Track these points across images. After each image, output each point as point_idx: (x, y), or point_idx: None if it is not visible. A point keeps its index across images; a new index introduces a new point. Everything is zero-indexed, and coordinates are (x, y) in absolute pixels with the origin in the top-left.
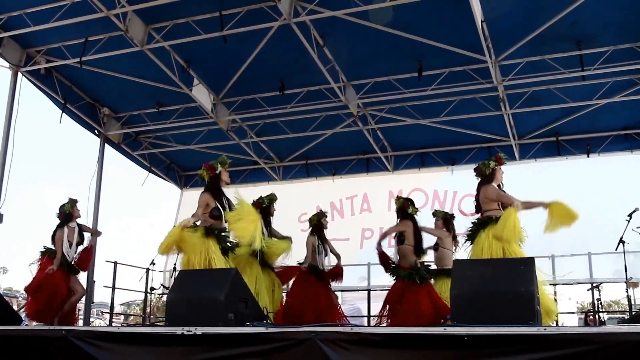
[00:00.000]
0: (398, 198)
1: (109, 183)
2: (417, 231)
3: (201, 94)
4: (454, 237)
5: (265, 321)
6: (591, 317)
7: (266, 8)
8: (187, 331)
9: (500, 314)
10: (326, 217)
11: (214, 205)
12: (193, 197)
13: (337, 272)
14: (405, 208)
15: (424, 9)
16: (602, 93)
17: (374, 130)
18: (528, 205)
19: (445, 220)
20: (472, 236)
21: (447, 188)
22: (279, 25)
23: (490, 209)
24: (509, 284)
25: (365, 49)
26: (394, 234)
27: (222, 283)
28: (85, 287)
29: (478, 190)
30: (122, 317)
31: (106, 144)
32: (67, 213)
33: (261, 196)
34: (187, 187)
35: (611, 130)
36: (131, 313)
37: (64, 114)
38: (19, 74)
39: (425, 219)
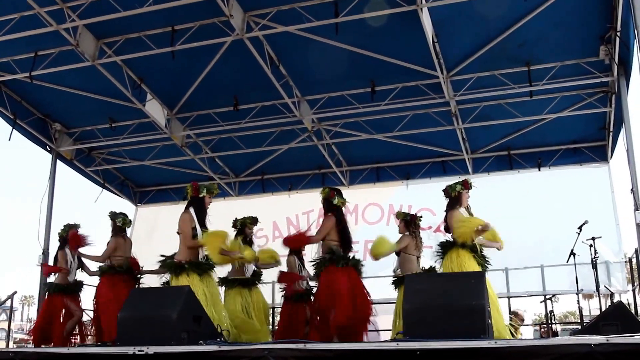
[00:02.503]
0: (324, 188)
1: (61, 199)
2: (342, 224)
3: (155, 110)
4: (418, 240)
5: (218, 339)
6: (544, 329)
7: (219, 23)
8: (139, 351)
9: (452, 327)
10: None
11: (193, 225)
12: (148, 213)
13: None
14: (330, 199)
15: (377, 25)
16: (551, 108)
17: (329, 145)
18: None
19: (406, 222)
20: (443, 252)
21: (403, 202)
22: (232, 41)
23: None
24: (460, 298)
25: (319, 65)
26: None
27: (175, 301)
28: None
29: (446, 212)
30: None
31: (58, 160)
32: (62, 237)
33: (236, 218)
34: (141, 203)
35: (561, 144)
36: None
37: (14, 130)
38: None
39: (380, 233)
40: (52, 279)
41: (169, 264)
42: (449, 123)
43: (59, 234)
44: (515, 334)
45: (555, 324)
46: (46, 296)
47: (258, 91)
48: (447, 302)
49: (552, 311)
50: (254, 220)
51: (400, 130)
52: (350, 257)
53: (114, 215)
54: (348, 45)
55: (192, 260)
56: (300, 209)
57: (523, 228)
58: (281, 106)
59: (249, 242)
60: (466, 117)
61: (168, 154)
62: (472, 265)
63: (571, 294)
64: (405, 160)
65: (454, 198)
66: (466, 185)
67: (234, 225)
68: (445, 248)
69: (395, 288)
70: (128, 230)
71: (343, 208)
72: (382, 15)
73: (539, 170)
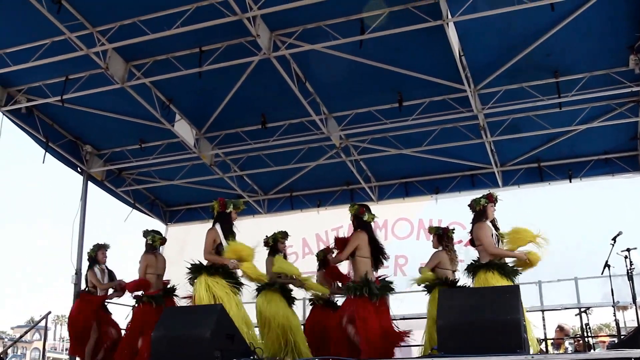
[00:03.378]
0: (352, 205)
1: (93, 219)
2: (374, 241)
3: (183, 130)
4: (452, 254)
5: (251, 357)
6: (578, 342)
7: (246, 43)
8: None
9: (487, 343)
10: (332, 252)
11: (219, 242)
12: (178, 232)
13: None
14: (360, 215)
15: (403, 40)
16: (581, 119)
17: (357, 161)
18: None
19: (438, 236)
20: (472, 273)
21: (432, 217)
22: (259, 60)
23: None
24: (494, 313)
25: (345, 81)
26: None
27: (208, 320)
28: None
29: (472, 225)
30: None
31: (89, 182)
32: (91, 257)
33: (266, 235)
34: (171, 222)
35: (592, 155)
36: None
37: (46, 152)
38: (0, 114)
39: (410, 248)
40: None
41: (194, 267)
42: (477, 136)
43: (88, 253)
44: (559, 348)
45: (592, 337)
46: (76, 301)
47: (285, 109)
48: (481, 317)
49: (587, 324)
50: (284, 235)
51: (429, 144)
52: (380, 287)
53: (145, 234)
54: (374, 62)
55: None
56: (330, 225)
57: (555, 240)
58: (309, 123)
59: (283, 257)
60: (495, 129)
61: (197, 173)
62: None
63: (606, 307)
64: (434, 174)
65: (479, 212)
66: (491, 198)
67: (266, 244)
68: (474, 269)
69: (427, 293)
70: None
71: (372, 224)
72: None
73: (570, 181)
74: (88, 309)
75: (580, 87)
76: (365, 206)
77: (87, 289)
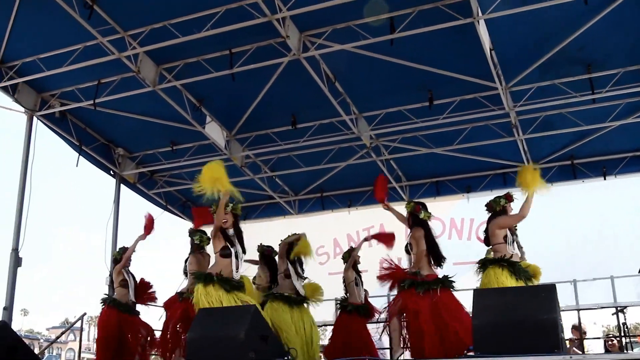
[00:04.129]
0: (408, 202)
1: (127, 222)
2: (430, 237)
3: (214, 131)
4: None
5: (286, 358)
6: (610, 343)
7: (275, 44)
8: None
9: (524, 343)
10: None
11: (223, 244)
12: (209, 233)
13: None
14: (416, 213)
15: (433, 39)
16: (615, 115)
17: (388, 160)
18: (526, 207)
19: None
20: (482, 268)
21: (464, 216)
22: (289, 61)
23: (498, 242)
24: (531, 312)
25: (375, 81)
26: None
27: (242, 320)
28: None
29: (488, 223)
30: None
31: (122, 184)
32: (116, 259)
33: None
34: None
35: (626, 151)
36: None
37: (80, 156)
38: (34, 119)
39: (442, 248)
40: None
41: (198, 274)
42: (509, 134)
43: (114, 255)
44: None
45: (629, 336)
46: (103, 308)
47: (315, 109)
48: (517, 317)
49: (624, 323)
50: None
51: (460, 143)
52: (432, 281)
53: (192, 233)
54: (404, 60)
55: (222, 276)
56: (361, 225)
57: (590, 239)
58: (339, 123)
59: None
60: (527, 127)
61: (228, 175)
62: (510, 283)
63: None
64: (466, 173)
65: (499, 212)
66: (509, 198)
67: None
68: (484, 264)
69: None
70: (187, 247)
71: (429, 222)
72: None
73: (605, 179)
74: (113, 315)
75: (615, 82)
76: (421, 204)
77: (111, 297)
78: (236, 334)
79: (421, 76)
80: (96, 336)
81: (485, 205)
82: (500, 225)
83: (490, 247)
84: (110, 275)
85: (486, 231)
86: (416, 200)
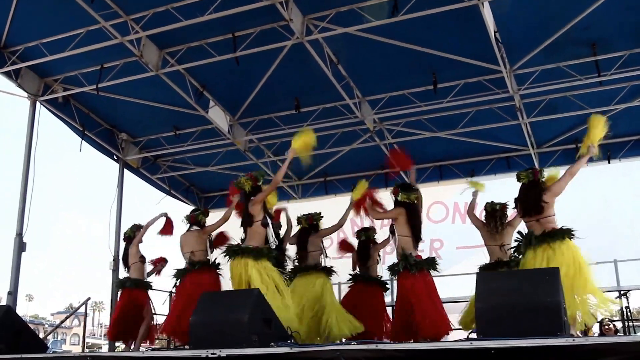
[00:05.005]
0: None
1: (129, 207)
2: (411, 218)
3: (217, 116)
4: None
5: (289, 341)
6: (606, 327)
7: (278, 28)
8: (212, 354)
9: (527, 326)
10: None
11: (263, 214)
12: (213, 218)
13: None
14: (394, 195)
15: (436, 21)
16: (620, 98)
17: (391, 144)
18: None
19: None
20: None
21: (468, 200)
22: (292, 44)
23: (553, 214)
24: (534, 296)
25: (379, 64)
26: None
27: (245, 304)
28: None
29: (534, 192)
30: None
31: (125, 169)
32: (129, 237)
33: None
34: (206, 208)
35: (631, 134)
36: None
37: (83, 140)
38: (38, 104)
39: (446, 231)
40: (124, 274)
41: (249, 249)
42: (513, 118)
43: (125, 233)
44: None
45: (632, 320)
46: (120, 292)
47: (319, 93)
48: (521, 300)
49: (627, 307)
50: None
51: (463, 127)
52: (420, 261)
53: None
54: (407, 43)
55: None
56: None
57: (594, 223)
58: (342, 107)
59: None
60: (531, 110)
61: (231, 159)
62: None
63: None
64: (469, 157)
65: (540, 182)
66: (537, 174)
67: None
68: (554, 236)
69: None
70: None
71: (415, 202)
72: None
73: (609, 162)
74: (134, 296)
75: (620, 65)
76: (401, 186)
77: (129, 279)
78: (240, 317)
79: (425, 59)
80: (112, 315)
81: (524, 178)
82: (557, 192)
83: (537, 219)
84: (115, 259)
85: (533, 199)
86: (398, 184)
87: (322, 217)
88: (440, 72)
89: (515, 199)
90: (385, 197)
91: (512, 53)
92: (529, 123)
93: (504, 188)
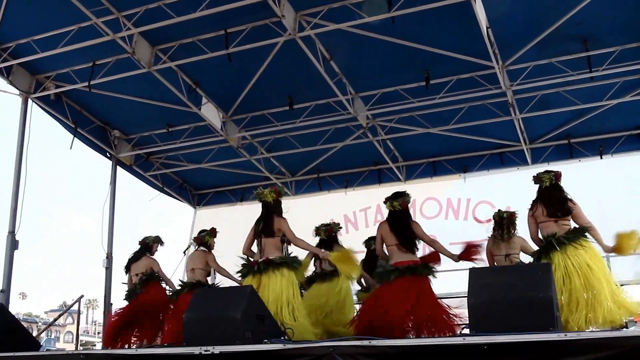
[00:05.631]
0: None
1: (121, 204)
2: (395, 228)
3: (210, 113)
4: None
5: (282, 337)
6: None
7: (271, 24)
8: (205, 350)
9: (519, 321)
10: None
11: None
12: (207, 215)
13: None
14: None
15: (429, 17)
16: (612, 93)
17: (384, 140)
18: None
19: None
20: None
21: (461, 196)
22: (285, 41)
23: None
24: (526, 291)
25: (371, 60)
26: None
27: (239, 301)
28: None
29: (558, 195)
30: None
31: (118, 166)
32: (149, 246)
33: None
34: (200, 205)
35: (623, 130)
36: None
37: (75, 138)
38: (29, 101)
39: (439, 227)
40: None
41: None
42: (505, 113)
43: (147, 243)
44: None
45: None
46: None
47: (312, 90)
48: (513, 295)
49: None
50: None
51: (456, 123)
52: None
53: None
54: (400, 40)
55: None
56: (357, 206)
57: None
58: (335, 104)
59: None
60: (523, 106)
61: (224, 156)
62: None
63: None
64: (462, 153)
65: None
66: (559, 176)
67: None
68: (577, 232)
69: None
70: (185, 231)
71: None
72: None
73: (601, 158)
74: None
75: (612, 60)
76: (389, 198)
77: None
78: (233, 314)
79: (418, 55)
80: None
81: (547, 180)
82: (578, 214)
83: (555, 220)
84: (108, 257)
85: (563, 201)
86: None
87: (341, 227)
88: (432, 68)
89: (536, 200)
90: (385, 195)
91: (504, 49)
92: (522, 119)
93: (496, 184)
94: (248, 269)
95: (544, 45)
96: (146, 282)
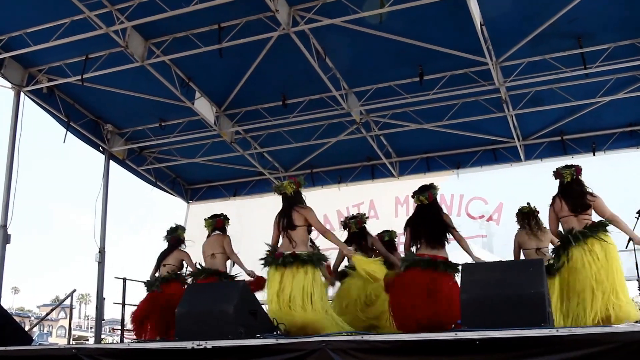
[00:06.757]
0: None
1: (114, 198)
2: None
3: (203, 107)
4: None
5: (275, 332)
6: None
7: (265, 19)
8: (198, 345)
9: (511, 317)
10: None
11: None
12: (200, 210)
13: None
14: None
15: (423, 13)
16: (605, 90)
17: (378, 136)
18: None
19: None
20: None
21: (454, 192)
22: (278, 35)
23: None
24: (518, 287)
25: (365, 56)
26: None
27: (231, 296)
28: None
29: (579, 190)
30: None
31: (111, 160)
32: (179, 238)
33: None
34: (193, 200)
35: (616, 127)
36: None
37: (68, 132)
38: (22, 94)
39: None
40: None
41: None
42: (499, 110)
43: (174, 236)
44: None
45: None
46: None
47: (305, 85)
48: (505, 291)
49: None
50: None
51: (450, 119)
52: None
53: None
54: (394, 35)
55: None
56: (351, 201)
57: None
58: (329, 99)
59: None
60: (517, 103)
61: (218, 151)
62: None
63: (630, 281)
64: (455, 149)
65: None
66: (579, 171)
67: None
68: (595, 227)
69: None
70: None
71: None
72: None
73: (594, 155)
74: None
75: (605, 57)
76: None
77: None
78: (225, 309)
79: (411, 51)
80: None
81: (567, 176)
82: (600, 206)
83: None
84: (101, 251)
85: (581, 196)
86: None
87: (368, 217)
88: (426, 64)
89: (556, 195)
90: (378, 190)
91: (498, 45)
92: (515, 115)
93: (489, 180)
94: (272, 259)
95: (538, 42)
96: (167, 281)
